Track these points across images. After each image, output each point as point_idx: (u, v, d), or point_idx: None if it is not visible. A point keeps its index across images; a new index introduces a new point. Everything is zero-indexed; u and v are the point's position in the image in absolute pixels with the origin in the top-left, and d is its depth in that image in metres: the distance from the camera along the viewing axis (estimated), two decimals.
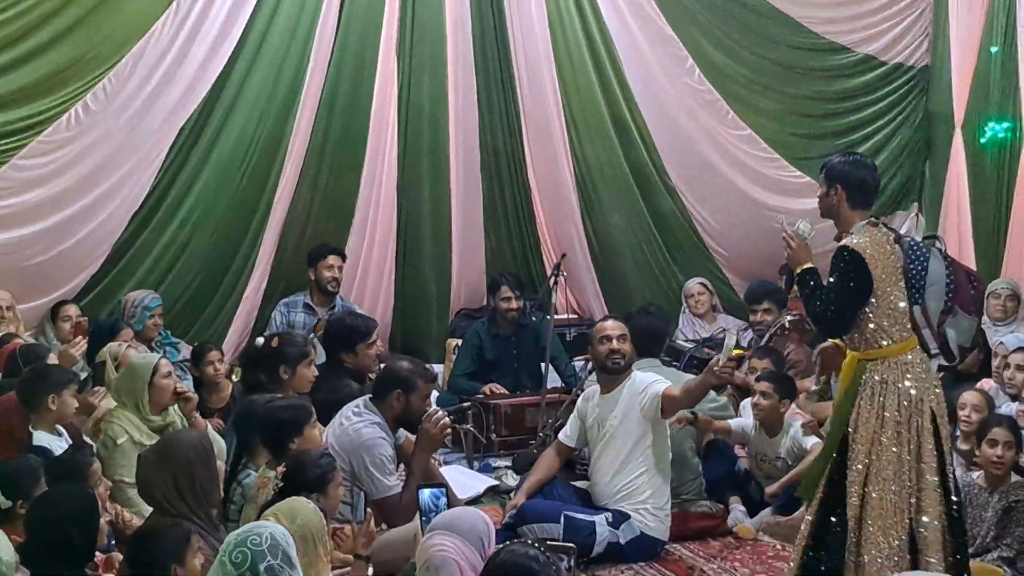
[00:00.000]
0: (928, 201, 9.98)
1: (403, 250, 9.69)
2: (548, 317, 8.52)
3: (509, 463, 7.76)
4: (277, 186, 9.07)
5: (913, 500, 5.10)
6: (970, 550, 5.77)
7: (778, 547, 6.64)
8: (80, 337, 7.28)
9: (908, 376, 5.15)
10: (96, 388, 6.91)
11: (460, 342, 9.10)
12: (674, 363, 8.23)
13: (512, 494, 6.99)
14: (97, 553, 5.24)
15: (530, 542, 4.34)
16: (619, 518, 6.34)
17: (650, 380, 6.54)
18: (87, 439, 6.37)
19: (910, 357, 5.20)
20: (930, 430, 5.13)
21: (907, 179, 10.09)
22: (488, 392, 8.49)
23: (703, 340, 9.17)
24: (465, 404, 8.24)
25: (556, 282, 8.50)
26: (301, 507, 4.76)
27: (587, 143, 9.82)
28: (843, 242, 5.23)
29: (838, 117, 10.08)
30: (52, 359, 6.91)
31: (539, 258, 10.03)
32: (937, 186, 9.79)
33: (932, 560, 5.03)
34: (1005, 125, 9.06)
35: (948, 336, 5.37)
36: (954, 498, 5.17)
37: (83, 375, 7.00)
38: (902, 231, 5.37)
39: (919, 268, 5.30)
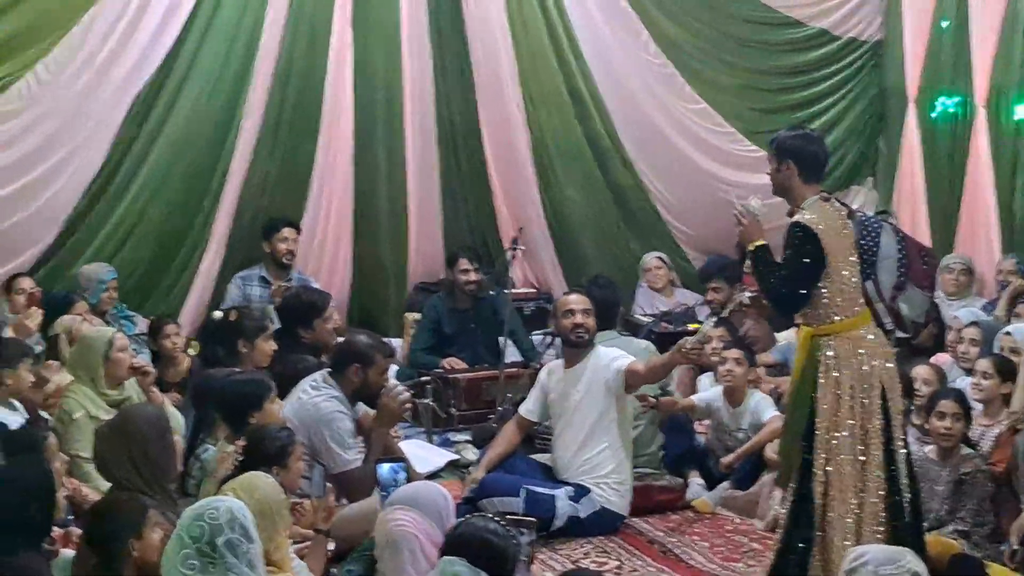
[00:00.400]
0: (882, 175, 10.06)
1: (359, 222, 9.63)
2: (506, 291, 8.51)
3: (468, 437, 7.77)
4: (232, 157, 8.99)
5: (860, 473, 5.15)
6: (925, 524, 5.84)
7: (736, 520, 6.70)
8: (35, 308, 7.22)
9: (861, 351, 5.17)
10: (50, 362, 6.86)
11: (418, 316, 9.07)
12: (633, 336, 8.24)
13: (472, 468, 7.00)
14: (55, 528, 5.22)
15: (490, 515, 4.35)
16: (580, 492, 6.37)
17: (614, 355, 6.56)
18: (42, 413, 6.31)
19: (863, 332, 5.22)
20: (879, 405, 5.17)
21: (861, 154, 10.18)
22: (447, 366, 8.48)
23: (661, 314, 9.20)
24: (424, 378, 8.24)
25: (514, 256, 8.49)
26: (260, 481, 4.74)
27: (543, 115, 9.80)
28: (795, 218, 5.22)
29: (792, 91, 10.14)
30: (7, 332, 6.84)
31: (495, 231, 9.99)
32: (891, 160, 9.88)
33: (865, 532, 5.09)
34: (957, 99, 9.16)
35: (901, 311, 5.39)
36: (904, 475, 5.19)
37: (37, 348, 6.94)
38: (855, 206, 5.41)
39: (871, 243, 5.31)
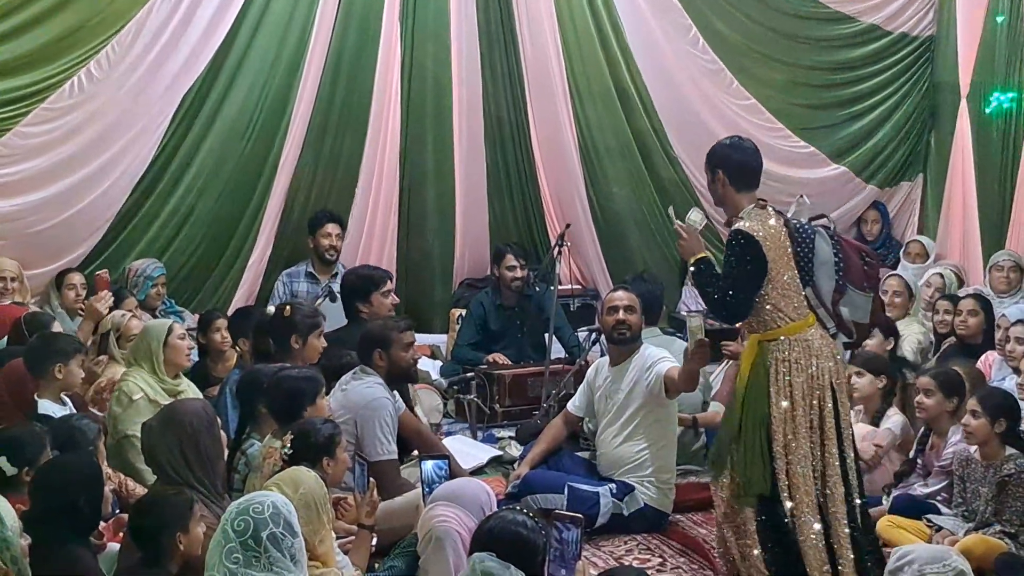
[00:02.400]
0: (933, 172, 9.98)
1: (406, 217, 9.68)
2: (552, 287, 8.51)
3: (512, 433, 7.76)
4: (281, 153, 9.07)
5: (819, 473, 5.20)
6: (971, 524, 5.82)
7: None
8: (106, 292, 7.33)
9: (809, 354, 5.22)
10: (100, 357, 6.93)
11: (464, 312, 9.10)
12: (677, 334, 8.22)
13: (516, 464, 7.01)
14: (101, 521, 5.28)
15: (521, 509, 4.35)
16: (623, 489, 6.37)
17: (657, 357, 6.53)
18: (91, 409, 6.38)
19: (809, 335, 5.26)
20: (830, 406, 5.22)
21: (912, 150, 10.10)
22: (492, 362, 8.49)
23: (706, 311, 9.14)
24: (469, 374, 8.25)
25: (560, 252, 8.49)
26: (303, 476, 4.78)
27: (591, 111, 9.79)
28: (735, 226, 5.26)
29: (842, 87, 10.06)
30: (56, 327, 6.92)
31: (543, 227, 10.01)
32: (942, 156, 9.80)
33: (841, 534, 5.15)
34: (1011, 95, 9.04)
35: (843, 314, 5.41)
36: (853, 476, 5.26)
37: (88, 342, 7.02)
38: (788, 213, 5.40)
39: (806, 250, 5.33)
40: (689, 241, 5.41)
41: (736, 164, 5.37)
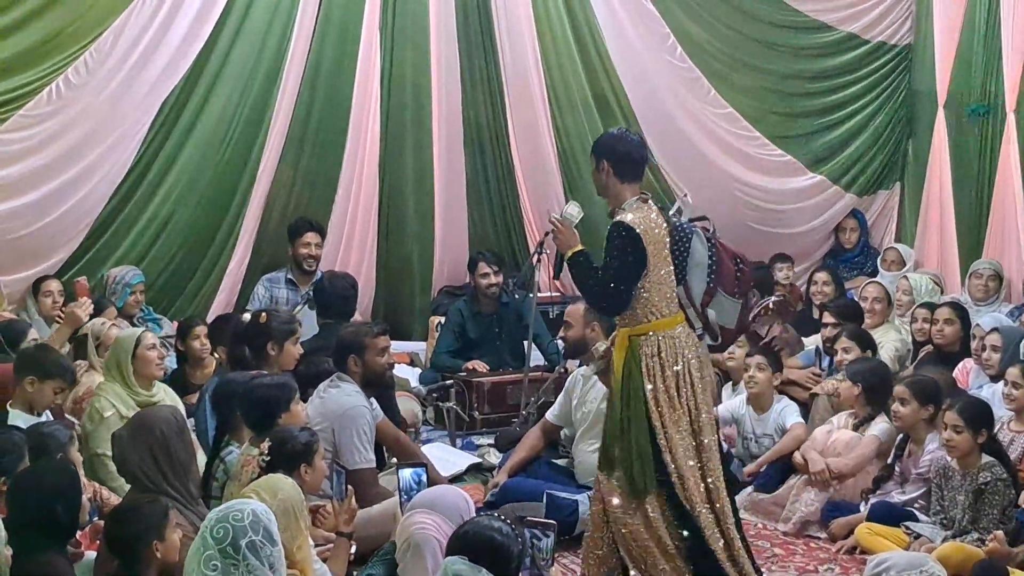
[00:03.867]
0: (911, 180, 10.03)
1: (385, 225, 9.68)
2: (531, 295, 8.52)
3: (491, 441, 7.78)
4: (260, 160, 9.05)
5: (699, 465, 5.28)
6: (949, 532, 5.85)
7: (759, 525, 6.69)
8: (85, 298, 7.32)
9: (675, 350, 5.27)
10: (78, 361, 6.91)
11: (443, 319, 9.10)
12: None
13: (495, 472, 7.02)
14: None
15: (499, 516, 4.35)
16: None
17: None
18: (68, 416, 6.36)
19: (677, 332, 5.32)
20: (701, 399, 5.29)
21: (890, 158, 10.14)
22: (471, 369, 8.49)
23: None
24: (448, 382, 8.26)
25: (539, 260, 8.48)
26: (281, 483, 4.79)
27: (569, 119, 9.79)
28: (617, 218, 5.29)
29: (820, 96, 10.10)
30: (32, 334, 6.88)
31: (522, 235, 10.01)
32: (920, 165, 9.84)
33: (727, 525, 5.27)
34: (987, 104, 9.07)
35: (709, 316, 5.46)
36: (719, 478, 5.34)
37: (64, 349, 7.00)
38: (671, 211, 5.46)
39: (682, 249, 5.37)
40: (564, 234, 5.45)
41: (620, 155, 5.38)
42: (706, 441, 5.28)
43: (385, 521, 5.58)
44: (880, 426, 6.72)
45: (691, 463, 5.24)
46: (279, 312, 7.22)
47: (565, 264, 5.47)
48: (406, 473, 5.39)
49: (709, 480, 5.26)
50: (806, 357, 8.19)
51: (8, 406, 5.89)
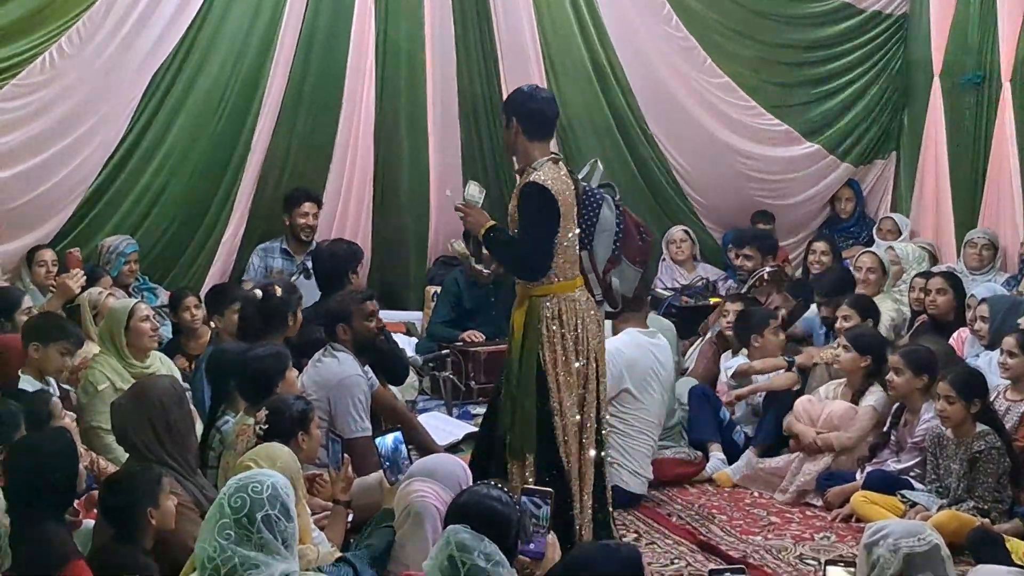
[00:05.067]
0: (906, 150, 9.99)
1: (380, 195, 9.65)
2: None
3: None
4: (254, 129, 9.01)
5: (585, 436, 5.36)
6: (944, 500, 5.87)
7: (755, 494, 6.71)
8: (78, 270, 7.31)
9: (574, 313, 5.33)
10: None
11: (438, 289, 9.08)
12: (653, 310, 8.22)
13: None
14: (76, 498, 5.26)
15: (496, 484, 4.36)
16: None
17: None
18: (65, 386, 6.36)
19: (576, 294, 5.36)
20: (594, 368, 5.37)
21: (885, 128, 10.09)
22: (467, 339, 8.48)
23: (682, 288, 9.19)
24: (444, 351, 8.25)
25: None
26: (278, 451, 4.81)
27: (566, 88, 9.71)
28: (531, 178, 5.30)
29: (815, 65, 10.05)
30: (27, 302, 6.88)
31: None
32: (915, 134, 9.80)
33: (586, 495, 5.36)
34: (983, 74, 9.04)
35: (612, 284, 5.50)
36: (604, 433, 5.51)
37: None
38: (580, 176, 5.48)
39: (590, 214, 5.41)
40: (473, 215, 5.51)
41: (529, 112, 5.40)
42: (591, 412, 5.37)
43: (370, 488, 5.60)
44: (875, 395, 6.74)
45: (574, 428, 5.32)
46: (283, 281, 7.27)
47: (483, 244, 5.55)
48: (387, 440, 5.35)
49: (583, 450, 5.36)
50: (808, 323, 8.15)
51: (20, 372, 5.93)
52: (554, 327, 5.31)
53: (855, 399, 6.80)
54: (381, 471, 5.38)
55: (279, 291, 6.70)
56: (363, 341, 6.48)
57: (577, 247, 5.38)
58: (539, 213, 5.25)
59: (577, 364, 5.33)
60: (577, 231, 5.36)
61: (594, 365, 5.40)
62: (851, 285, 7.99)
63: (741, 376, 7.35)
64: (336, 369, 6.29)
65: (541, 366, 5.32)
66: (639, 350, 6.52)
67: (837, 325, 7.38)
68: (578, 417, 5.35)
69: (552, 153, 5.41)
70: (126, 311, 6.42)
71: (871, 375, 6.78)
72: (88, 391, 6.21)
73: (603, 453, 5.49)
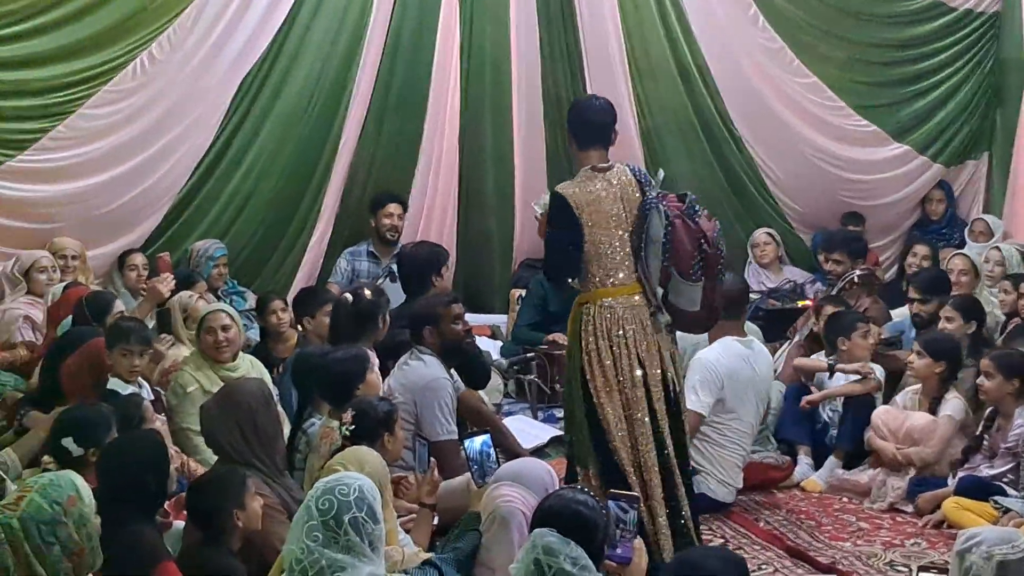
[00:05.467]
0: (999, 149, 9.83)
1: (465, 198, 9.68)
2: None
3: None
4: (341, 134, 9.08)
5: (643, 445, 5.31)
6: None
7: (844, 499, 6.63)
8: (168, 275, 7.42)
9: (613, 320, 5.32)
10: (163, 335, 6.99)
11: (524, 292, 9.08)
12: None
13: None
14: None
15: (583, 488, 4.35)
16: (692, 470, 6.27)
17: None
18: (157, 388, 6.45)
19: (619, 302, 5.33)
20: (639, 374, 5.30)
21: (977, 128, 9.93)
22: (552, 342, 8.46)
23: (769, 291, 9.12)
24: (529, 354, 8.25)
25: None
26: (367, 455, 4.83)
27: (651, 90, 9.72)
28: (556, 187, 5.48)
29: (905, 65, 9.91)
30: (119, 306, 6.97)
31: None
32: (1008, 134, 9.66)
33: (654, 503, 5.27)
34: None
35: (669, 297, 5.40)
36: (668, 446, 5.35)
37: (150, 323, 7.09)
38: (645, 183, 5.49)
39: (641, 223, 5.34)
40: (542, 223, 5.63)
41: (578, 122, 5.57)
42: (637, 415, 5.31)
43: (459, 492, 5.60)
44: (952, 403, 6.65)
45: (623, 435, 5.29)
46: (371, 285, 7.32)
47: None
48: (475, 443, 5.35)
49: (640, 457, 5.29)
50: (893, 328, 8.05)
51: (110, 376, 6.03)
52: (590, 335, 5.34)
53: (932, 406, 6.70)
54: (468, 474, 5.40)
55: (369, 294, 6.74)
56: (450, 344, 6.48)
57: (622, 253, 5.36)
58: (554, 220, 5.43)
59: (615, 371, 5.31)
60: (618, 237, 5.35)
61: (652, 371, 5.34)
62: (948, 285, 7.88)
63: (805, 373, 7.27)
64: (423, 372, 6.31)
65: (584, 374, 5.34)
66: (737, 360, 6.39)
67: (940, 325, 7.26)
68: (624, 425, 5.31)
69: (602, 164, 5.45)
70: (202, 318, 6.52)
71: (946, 381, 6.69)
72: (177, 393, 6.30)
73: (666, 455, 5.36)
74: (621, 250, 5.35)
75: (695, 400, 6.17)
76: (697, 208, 5.39)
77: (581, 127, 5.54)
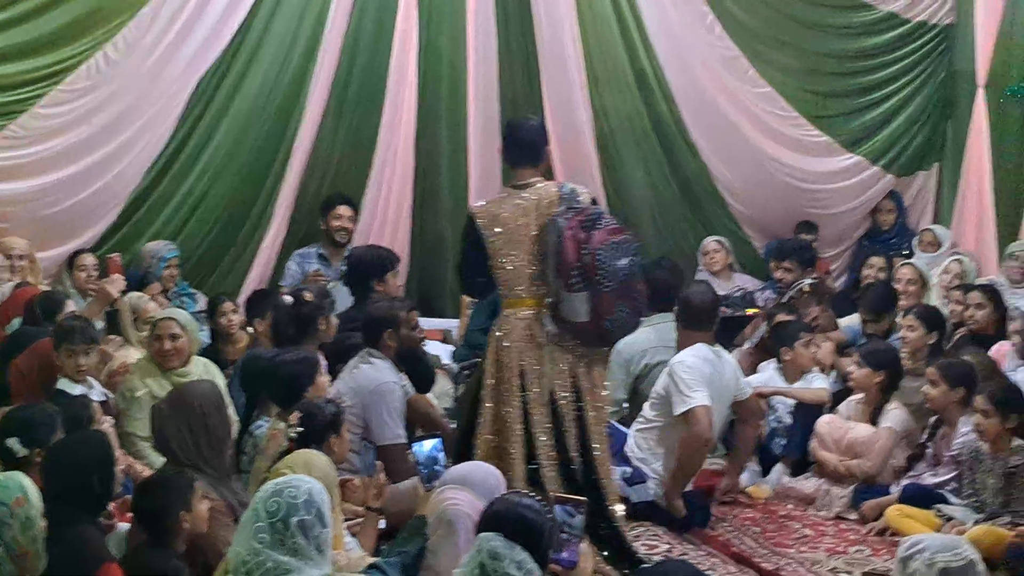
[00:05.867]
0: (949, 161, 9.90)
1: (420, 200, 9.67)
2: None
3: None
4: (296, 136, 9.07)
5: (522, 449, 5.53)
6: (981, 515, 5.83)
7: (789, 506, 6.68)
8: (117, 276, 7.36)
9: (505, 331, 5.58)
10: (111, 337, 6.96)
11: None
12: None
13: None
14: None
15: (528, 493, 4.37)
16: (636, 478, 6.32)
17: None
18: (105, 391, 6.42)
19: (520, 314, 5.57)
20: (517, 385, 5.53)
21: (928, 138, 9.98)
22: None
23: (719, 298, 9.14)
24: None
25: None
26: (315, 459, 4.84)
27: (607, 96, 9.74)
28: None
29: (859, 75, 9.95)
30: (70, 306, 6.93)
31: None
32: (959, 146, 9.71)
33: None
34: None
35: (560, 309, 5.52)
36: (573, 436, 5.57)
37: (99, 324, 7.05)
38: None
39: (543, 238, 5.50)
40: None
41: (508, 141, 5.76)
42: (537, 431, 5.51)
43: (414, 496, 5.60)
44: (892, 414, 6.72)
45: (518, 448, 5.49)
46: (321, 287, 7.31)
47: None
48: (425, 447, 5.36)
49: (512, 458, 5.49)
50: (852, 331, 8.10)
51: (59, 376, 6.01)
52: (492, 344, 5.61)
53: (873, 416, 6.76)
54: (415, 478, 5.40)
55: (309, 296, 6.73)
56: (406, 350, 6.51)
57: (520, 269, 5.55)
58: (465, 237, 5.75)
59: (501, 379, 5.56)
60: (523, 254, 5.53)
61: (533, 381, 5.53)
62: (895, 301, 7.94)
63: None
64: (372, 375, 6.31)
65: (480, 380, 5.64)
66: (709, 366, 6.40)
67: (901, 334, 7.31)
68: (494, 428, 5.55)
69: (521, 181, 5.62)
70: (153, 324, 6.49)
71: (886, 390, 6.75)
72: (125, 397, 6.27)
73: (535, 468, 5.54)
74: (529, 266, 5.53)
75: (695, 397, 6.17)
76: (602, 220, 5.47)
77: (511, 146, 5.72)
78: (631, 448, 6.53)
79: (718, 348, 6.65)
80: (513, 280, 5.57)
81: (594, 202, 5.77)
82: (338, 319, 6.97)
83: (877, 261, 9.05)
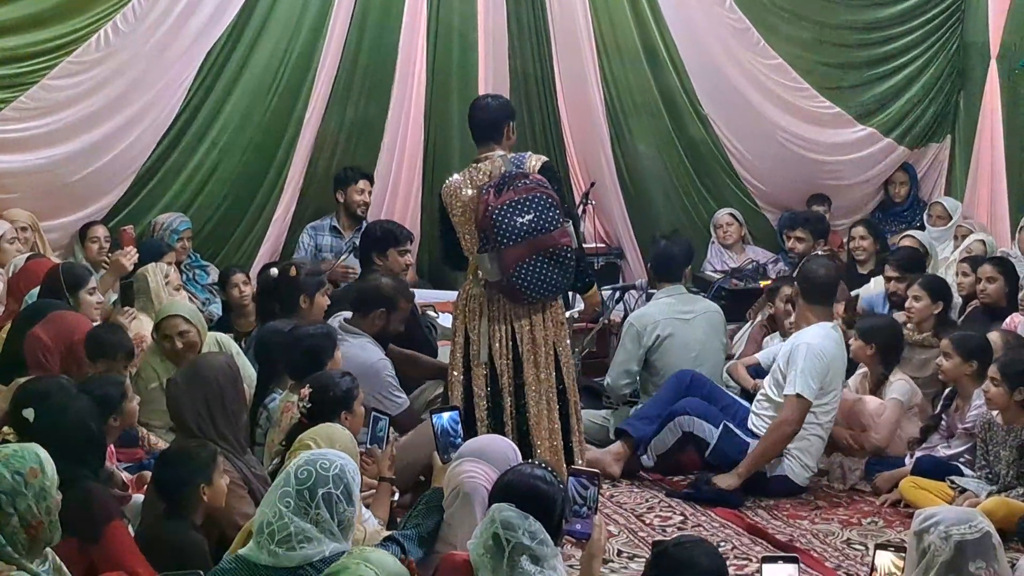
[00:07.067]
0: (962, 133, 9.89)
1: (431, 174, 9.62)
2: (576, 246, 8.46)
3: None
4: (307, 108, 9.01)
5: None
6: (994, 487, 5.83)
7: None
8: (131, 247, 7.33)
9: (462, 302, 5.91)
10: (126, 308, 6.92)
11: None
12: (702, 293, 8.21)
13: None
14: (127, 475, 5.31)
15: (541, 464, 4.36)
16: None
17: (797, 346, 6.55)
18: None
19: (465, 282, 5.95)
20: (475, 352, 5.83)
21: (940, 110, 9.97)
22: None
23: (731, 271, 9.14)
24: None
25: (585, 210, 8.45)
26: (337, 432, 4.83)
27: (618, 69, 9.69)
28: None
29: (870, 47, 9.93)
30: (92, 282, 6.82)
31: (568, 185, 9.94)
32: (971, 118, 9.70)
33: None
34: None
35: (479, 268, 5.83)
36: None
37: (113, 297, 7.03)
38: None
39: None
40: None
41: (470, 122, 6.05)
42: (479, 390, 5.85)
43: (418, 446, 5.70)
44: (896, 385, 6.72)
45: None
46: (306, 263, 7.26)
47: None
48: (444, 418, 5.35)
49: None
50: (868, 301, 8.08)
51: None
52: (460, 305, 5.93)
53: (876, 387, 6.78)
54: (419, 427, 5.47)
55: (293, 271, 6.71)
56: (384, 335, 6.58)
57: (469, 245, 5.84)
58: (438, 213, 6.06)
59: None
60: (474, 228, 5.78)
61: (483, 342, 5.82)
62: (924, 263, 7.96)
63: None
64: (361, 356, 6.30)
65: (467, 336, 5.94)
66: (833, 344, 6.50)
67: (907, 304, 7.29)
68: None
69: (480, 156, 5.90)
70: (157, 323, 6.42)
71: (883, 363, 6.74)
72: (137, 385, 6.14)
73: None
74: (463, 239, 5.83)
75: (804, 386, 6.27)
76: (521, 181, 5.68)
77: (473, 126, 6.01)
78: (752, 423, 6.58)
79: (836, 323, 6.74)
80: (470, 252, 5.83)
81: (547, 167, 5.92)
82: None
83: (858, 231, 9.02)
